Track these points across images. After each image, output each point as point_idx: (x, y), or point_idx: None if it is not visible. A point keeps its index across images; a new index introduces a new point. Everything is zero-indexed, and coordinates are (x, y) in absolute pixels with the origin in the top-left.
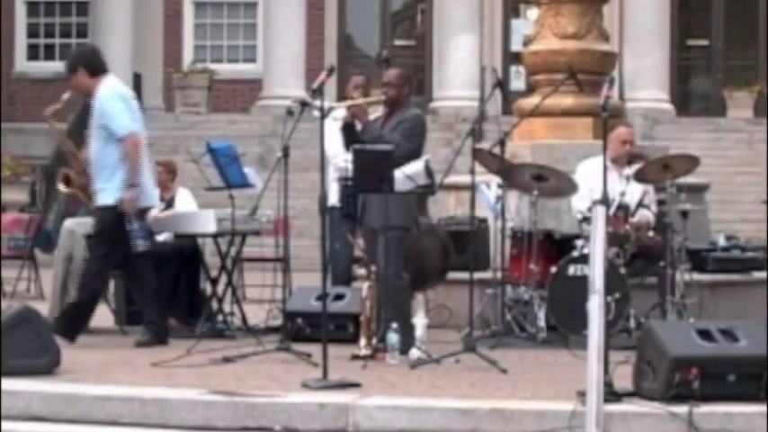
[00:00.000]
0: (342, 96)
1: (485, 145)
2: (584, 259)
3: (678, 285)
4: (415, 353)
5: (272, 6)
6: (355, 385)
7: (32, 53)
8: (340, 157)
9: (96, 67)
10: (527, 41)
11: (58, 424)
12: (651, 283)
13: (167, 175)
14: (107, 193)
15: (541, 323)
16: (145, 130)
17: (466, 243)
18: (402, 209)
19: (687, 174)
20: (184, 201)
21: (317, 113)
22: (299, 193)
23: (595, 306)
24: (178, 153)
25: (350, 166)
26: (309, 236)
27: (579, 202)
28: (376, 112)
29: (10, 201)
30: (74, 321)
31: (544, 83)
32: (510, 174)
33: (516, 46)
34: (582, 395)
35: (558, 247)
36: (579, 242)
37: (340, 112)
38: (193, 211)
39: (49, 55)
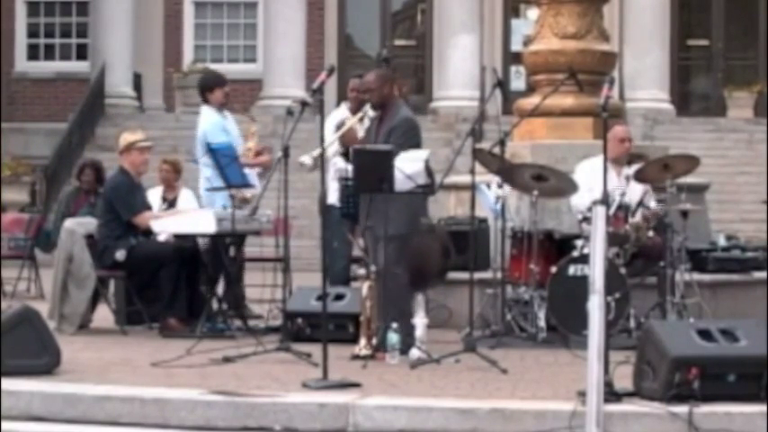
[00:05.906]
0: (343, 97)
1: (485, 145)
2: (584, 259)
3: (678, 285)
4: (415, 353)
5: (271, 6)
6: (355, 385)
7: (32, 53)
8: (340, 158)
9: None
10: (527, 41)
11: (58, 424)
12: (651, 283)
13: (173, 174)
14: None
15: (541, 323)
16: None
17: (466, 243)
18: (405, 215)
19: (687, 174)
20: (186, 201)
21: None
22: (299, 193)
23: (595, 306)
24: (178, 153)
25: (350, 166)
26: (309, 236)
27: (579, 202)
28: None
29: (10, 201)
30: None
31: (544, 83)
32: (510, 174)
33: (516, 46)
34: (582, 395)
35: (558, 247)
36: (579, 242)
37: (342, 113)
38: (193, 211)
39: (49, 55)
